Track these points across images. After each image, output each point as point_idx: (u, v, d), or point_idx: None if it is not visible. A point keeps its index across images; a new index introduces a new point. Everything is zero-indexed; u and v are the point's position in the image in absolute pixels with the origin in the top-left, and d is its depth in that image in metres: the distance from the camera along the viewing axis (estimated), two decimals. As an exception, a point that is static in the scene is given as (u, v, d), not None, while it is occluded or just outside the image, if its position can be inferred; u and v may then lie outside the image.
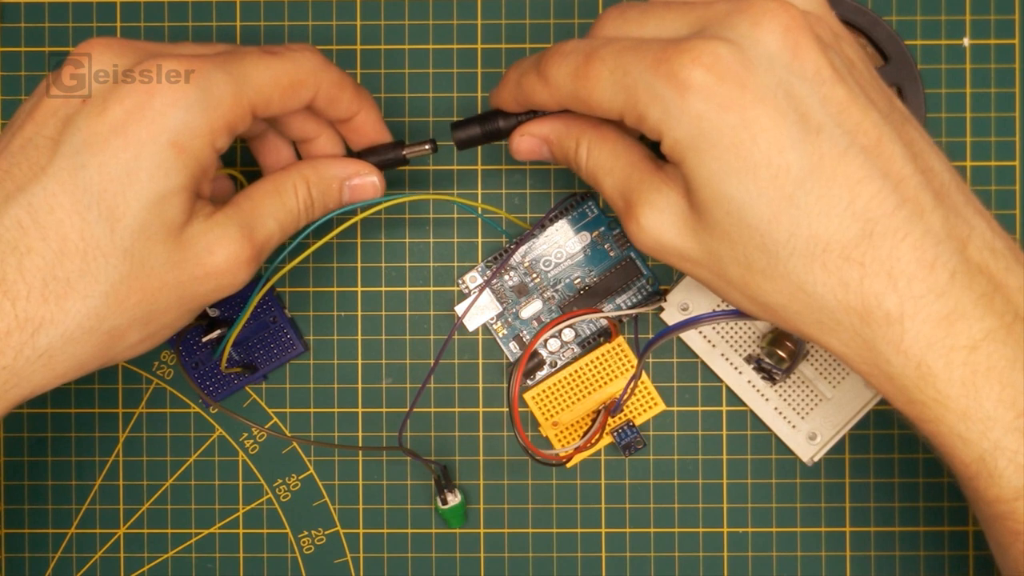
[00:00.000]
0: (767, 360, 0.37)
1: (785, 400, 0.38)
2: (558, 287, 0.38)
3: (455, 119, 0.32)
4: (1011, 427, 0.25)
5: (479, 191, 0.38)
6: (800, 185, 0.25)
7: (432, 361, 0.38)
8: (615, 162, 0.29)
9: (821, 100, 0.25)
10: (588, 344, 0.38)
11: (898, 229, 0.25)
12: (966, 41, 0.38)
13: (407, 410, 0.38)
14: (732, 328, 0.38)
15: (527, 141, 0.31)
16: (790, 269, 0.26)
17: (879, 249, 0.25)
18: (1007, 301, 0.26)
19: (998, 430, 0.25)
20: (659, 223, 0.28)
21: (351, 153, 0.34)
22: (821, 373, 0.37)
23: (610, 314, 0.37)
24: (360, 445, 0.38)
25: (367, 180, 0.32)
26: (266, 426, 0.39)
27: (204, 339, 0.37)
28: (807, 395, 0.37)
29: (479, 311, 0.38)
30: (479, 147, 0.37)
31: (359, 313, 0.39)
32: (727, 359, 0.38)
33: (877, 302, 0.25)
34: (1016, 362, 0.25)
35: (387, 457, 0.38)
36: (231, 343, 0.36)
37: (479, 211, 0.38)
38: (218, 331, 0.37)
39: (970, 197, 0.27)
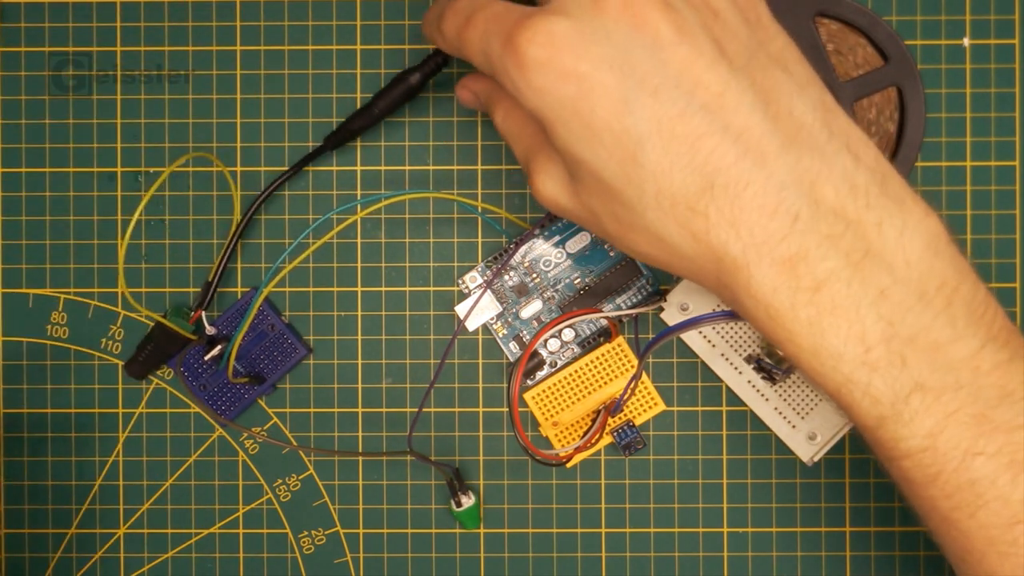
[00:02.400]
0: (767, 360, 0.37)
1: (785, 400, 0.38)
2: (558, 287, 0.38)
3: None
4: (860, 362, 0.26)
5: (479, 191, 0.38)
6: (641, 146, 0.26)
7: (432, 361, 0.38)
8: (523, 130, 0.31)
9: (660, 64, 0.26)
10: (588, 344, 0.38)
11: (739, 179, 0.26)
12: (966, 41, 0.38)
13: (416, 411, 0.38)
14: (732, 328, 0.38)
15: (464, 93, 0.34)
16: (649, 222, 0.27)
17: (721, 200, 0.26)
18: (859, 238, 0.26)
19: (847, 366, 0.26)
20: (551, 188, 0.30)
21: None
22: (821, 373, 0.37)
23: (610, 314, 0.37)
24: (372, 451, 0.38)
25: None
26: (266, 426, 0.39)
27: (206, 357, 0.37)
28: (807, 395, 0.37)
29: (479, 311, 0.38)
30: (479, 148, 0.38)
31: (359, 313, 0.39)
32: (727, 359, 0.38)
33: (724, 250, 0.26)
34: (864, 299, 0.26)
35: (387, 457, 0.39)
36: (235, 351, 0.36)
37: (479, 210, 0.38)
38: (219, 347, 0.37)
39: (837, 133, 0.27)
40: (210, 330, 0.37)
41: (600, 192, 0.28)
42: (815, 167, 0.26)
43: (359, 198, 0.38)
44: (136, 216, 0.37)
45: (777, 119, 0.26)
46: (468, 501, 0.37)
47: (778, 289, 0.26)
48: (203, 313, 0.37)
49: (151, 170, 0.38)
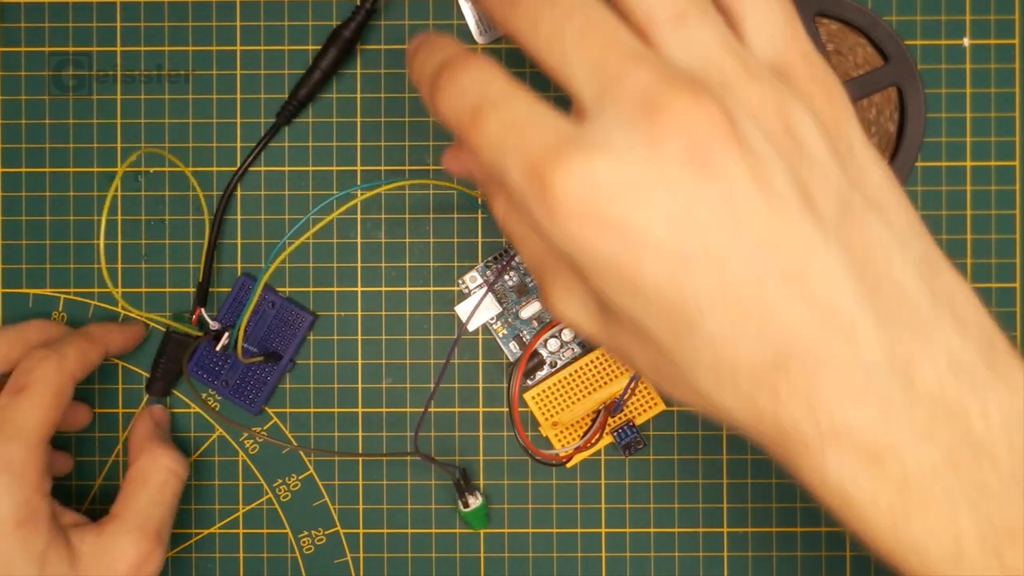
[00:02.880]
0: (767, 360, 0.36)
1: (785, 400, 0.37)
2: (558, 287, 0.38)
3: None
4: (948, 556, 0.22)
5: (478, 195, 0.38)
6: (700, 317, 0.22)
7: (433, 361, 0.38)
8: (533, 237, 0.26)
9: (732, 221, 0.21)
10: (588, 344, 0.38)
11: (820, 357, 0.22)
12: (966, 41, 0.38)
13: (422, 411, 0.38)
14: (732, 328, 0.38)
15: (454, 166, 0.28)
16: (699, 385, 0.23)
17: (796, 377, 0.22)
18: (959, 427, 0.22)
19: (932, 559, 0.23)
20: (573, 312, 0.25)
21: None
22: (821, 373, 0.37)
23: (610, 314, 0.37)
24: (372, 451, 0.38)
25: (159, 408, 0.38)
26: (266, 427, 0.39)
27: (217, 348, 0.37)
28: (807, 395, 0.37)
29: (479, 311, 0.38)
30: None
31: (359, 313, 0.39)
32: (727, 359, 0.38)
33: (795, 428, 0.22)
34: (960, 496, 0.22)
35: (395, 458, 0.39)
36: (242, 332, 0.36)
37: (480, 201, 0.38)
38: (226, 335, 0.37)
39: (941, 296, 0.23)
40: (213, 325, 0.37)
41: (640, 340, 0.23)
42: (915, 346, 0.22)
43: (359, 183, 0.38)
44: (104, 216, 0.38)
45: (875, 289, 0.22)
46: (475, 502, 0.37)
47: (858, 479, 0.22)
48: (202, 311, 0.37)
49: (151, 170, 0.38)
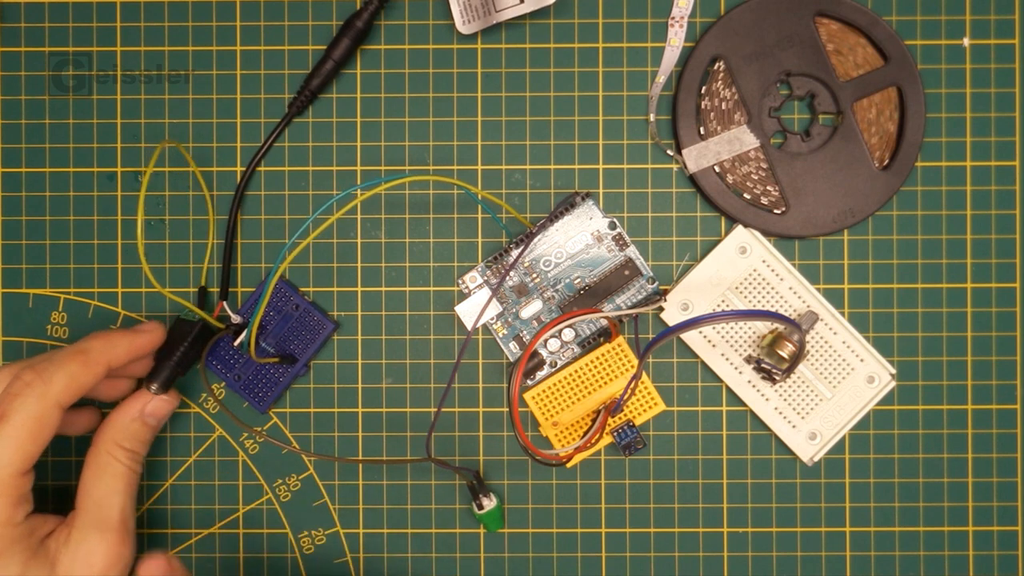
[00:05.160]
0: (767, 360, 0.37)
1: (785, 400, 0.38)
2: (558, 287, 0.38)
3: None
4: None
5: (479, 191, 0.38)
6: None
7: (433, 361, 0.38)
8: None
9: None
10: (588, 344, 0.38)
11: None
12: (966, 41, 0.38)
13: (436, 410, 0.38)
14: (732, 328, 0.38)
15: None
16: None
17: None
18: None
19: None
20: None
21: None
22: (821, 373, 0.37)
23: (610, 314, 0.37)
24: (373, 453, 0.38)
25: (157, 402, 0.36)
26: (266, 427, 0.39)
27: (236, 343, 0.37)
28: (807, 395, 0.37)
29: (479, 310, 0.38)
30: (479, 148, 0.37)
31: (359, 313, 0.39)
32: (727, 359, 0.38)
33: None
34: None
35: (387, 460, 0.39)
36: (255, 330, 0.36)
37: (479, 197, 0.38)
38: (245, 331, 0.37)
39: None
40: (235, 319, 0.37)
41: None
42: None
43: (359, 183, 0.38)
44: (140, 216, 0.37)
45: None
46: (490, 503, 0.37)
47: None
48: (224, 304, 0.37)
49: (150, 170, 0.38)
